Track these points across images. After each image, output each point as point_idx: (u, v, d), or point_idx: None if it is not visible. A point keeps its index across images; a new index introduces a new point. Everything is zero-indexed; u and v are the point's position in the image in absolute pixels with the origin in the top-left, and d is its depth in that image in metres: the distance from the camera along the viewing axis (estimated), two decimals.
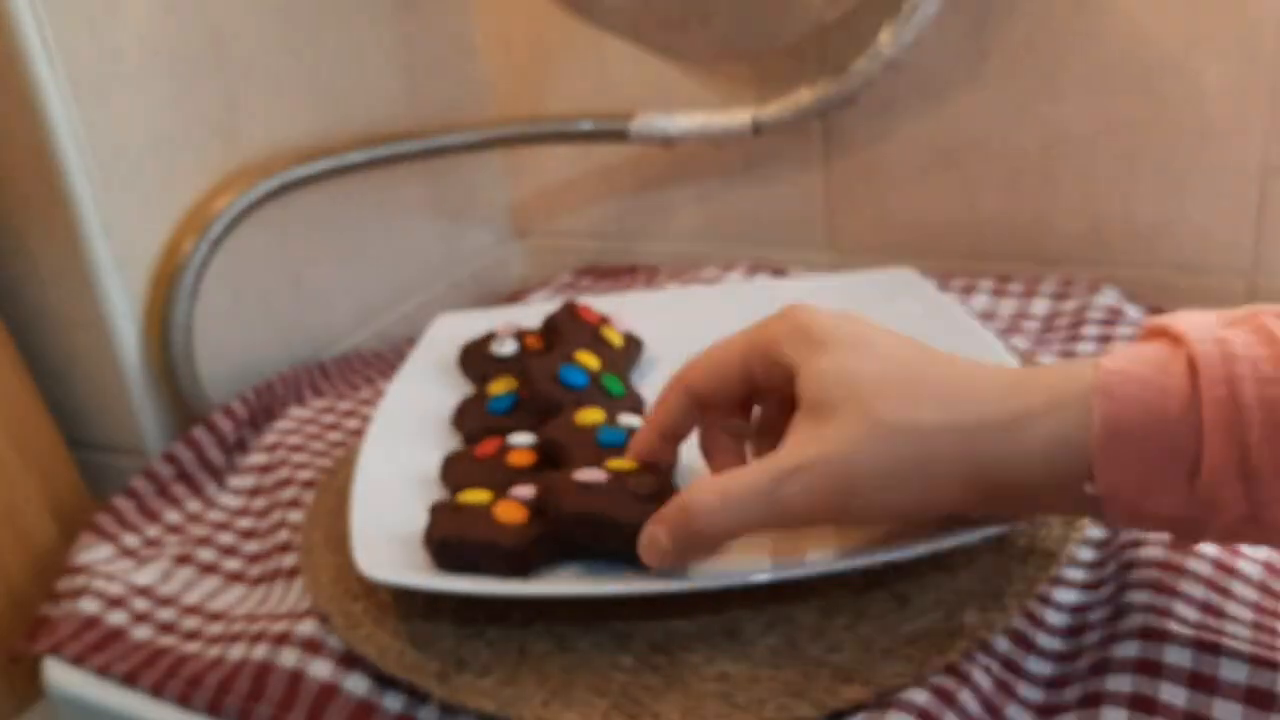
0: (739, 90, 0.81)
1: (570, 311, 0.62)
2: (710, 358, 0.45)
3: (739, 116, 0.77)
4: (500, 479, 0.50)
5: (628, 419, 0.53)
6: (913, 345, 0.42)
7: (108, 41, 0.61)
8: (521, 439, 0.53)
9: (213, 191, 0.68)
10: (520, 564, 0.45)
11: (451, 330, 0.65)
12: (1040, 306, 0.71)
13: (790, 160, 0.82)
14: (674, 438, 0.47)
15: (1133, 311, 0.68)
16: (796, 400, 0.42)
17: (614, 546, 0.45)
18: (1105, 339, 0.65)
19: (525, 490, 0.48)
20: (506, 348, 0.62)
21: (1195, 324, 0.38)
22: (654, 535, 0.42)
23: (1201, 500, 0.37)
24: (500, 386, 0.58)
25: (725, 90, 0.81)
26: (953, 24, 0.74)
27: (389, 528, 0.49)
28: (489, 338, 0.63)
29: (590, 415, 0.52)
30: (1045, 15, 0.71)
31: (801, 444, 0.40)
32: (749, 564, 0.45)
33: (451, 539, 0.45)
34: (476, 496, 0.48)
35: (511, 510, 0.47)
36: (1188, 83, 0.69)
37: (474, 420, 0.57)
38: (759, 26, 0.76)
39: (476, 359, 0.62)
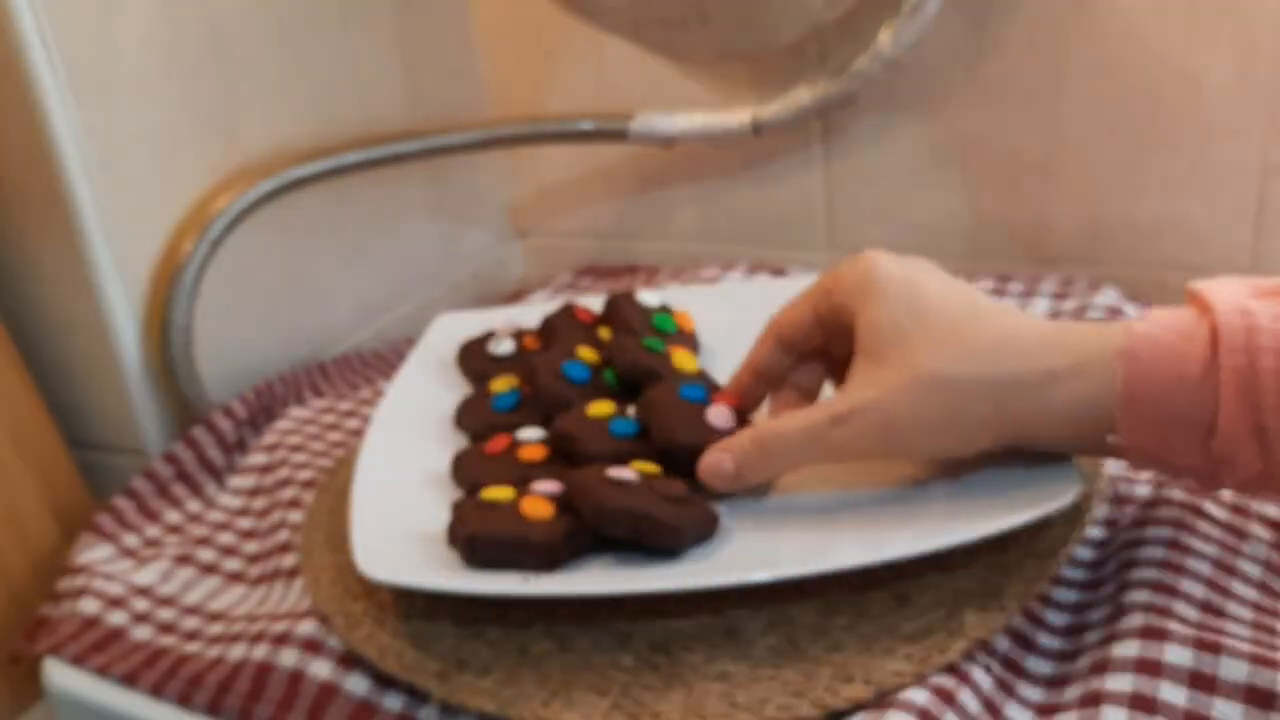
0: (739, 90, 0.81)
1: (568, 312, 0.62)
2: (792, 305, 0.49)
3: (739, 116, 0.77)
4: (516, 474, 0.51)
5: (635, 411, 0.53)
6: (962, 298, 0.45)
7: (107, 42, 0.61)
8: (530, 434, 0.54)
9: (213, 191, 0.68)
10: (552, 557, 0.46)
11: (451, 330, 0.66)
12: (1040, 305, 0.71)
13: (790, 160, 0.82)
14: (766, 378, 0.51)
15: (1132, 311, 0.68)
16: (855, 345, 0.45)
17: (651, 542, 0.45)
18: None
19: (547, 486, 0.49)
20: (504, 347, 0.62)
21: (1225, 294, 0.41)
22: (719, 460, 0.47)
23: (1218, 457, 0.40)
24: (502, 384, 0.58)
25: (725, 90, 0.81)
26: (953, 24, 0.74)
27: (389, 528, 0.49)
28: (487, 337, 0.63)
29: (601, 408, 0.53)
30: (1045, 16, 0.71)
31: (853, 389, 0.44)
32: (746, 565, 0.45)
33: (482, 535, 0.45)
34: (500, 493, 0.48)
35: (538, 506, 0.47)
36: (1187, 83, 0.69)
37: (478, 418, 0.57)
38: (758, 26, 0.76)
39: (475, 358, 0.62)
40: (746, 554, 0.46)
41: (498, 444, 0.53)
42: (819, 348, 0.50)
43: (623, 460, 0.49)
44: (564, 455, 0.52)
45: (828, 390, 0.52)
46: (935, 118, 0.77)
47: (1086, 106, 0.73)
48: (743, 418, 0.51)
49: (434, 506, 0.50)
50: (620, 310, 0.61)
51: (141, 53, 0.63)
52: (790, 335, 0.49)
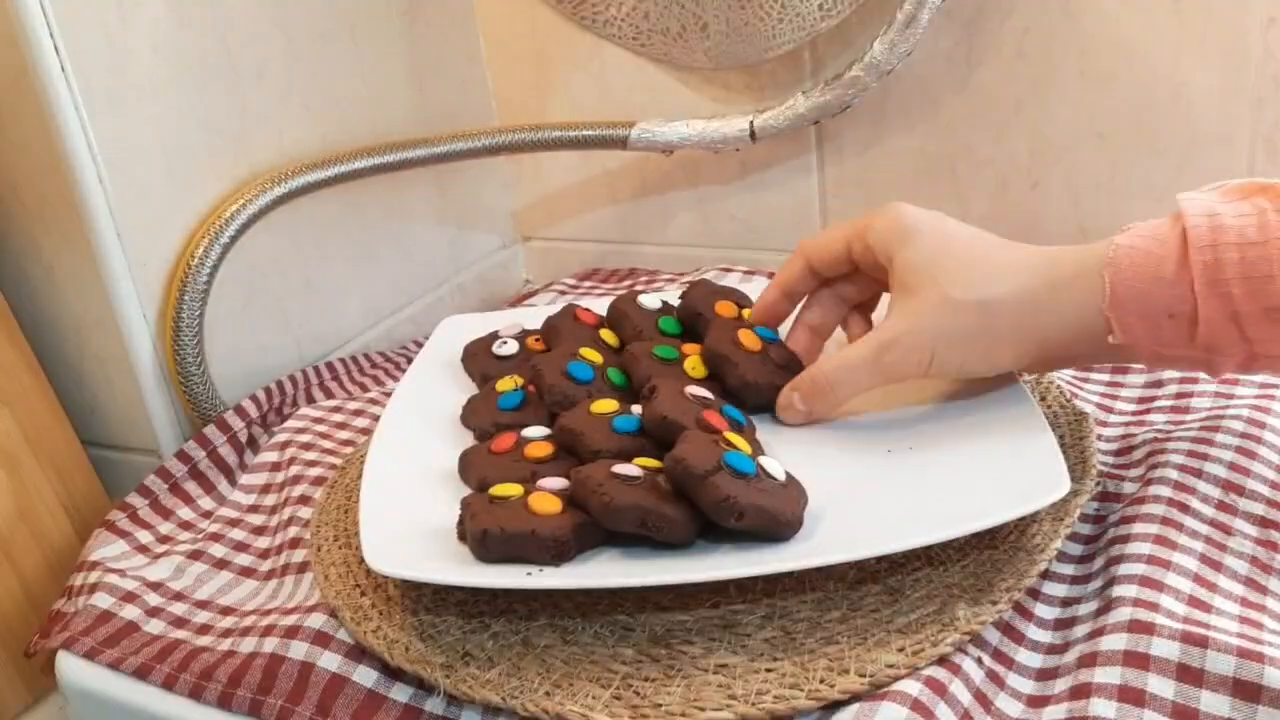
0: (736, 98, 0.82)
1: (569, 314, 0.64)
2: (824, 234, 0.56)
3: (736, 124, 0.79)
4: (523, 471, 0.52)
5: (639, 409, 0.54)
6: (981, 236, 0.52)
7: (120, 51, 0.62)
8: (536, 432, 0.55)
9: (224, 197, 0.69)
10: (562, 551, 0.47)
11: (457, 332, 0.67)
12: None
13: (786, 166, 0.84)
14: (792, 296, 0.58)
15: None
16: (890, 284, 0.52)
17: (659, 537, 0.47)
18: None
19: (553, 482, 0.50)
20: (508, 348, 0.63)
21: (1195, 201, 0.47)
22: (790, 398, 0.55)
23: (1206, 345, 0.47)
24: (507, 384, 0.60)
25: (723, 98, 0.83)
26: (944, 34, 0.75)
27: (397, 523, 0.50)
28: (492, 338, 0.65)
29: (605, 405, 0.54)
30: (1035, 26, 0.73)
31: (895, 319, 0.51)
32: (743, 560, 0.46)
33: (494, 531, 0.47)
34: (508, 490, 0.50)
35: (546, 501, 0.49)
36: (1174, 92, 0.71)
37: (484, 417, 0.58)
38: (755, 37, 0.77)
39: (479, 359, 0.63)
40: (745, 549, 0.47)
41: (504, 442, 0.54)
42: (840, 277, 0.57)
43: (626, 456, 0.50)
44: (569, 451, 0.53)
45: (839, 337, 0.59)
46: (927, 125, 0.78)
47: (1075, 115, 0.74)
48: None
49: (440, 503, 0.51)
50: (626, 316, 0.62)
51: (154, 62, 0.64)
52: (820, 261, 0.56)
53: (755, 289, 0.72)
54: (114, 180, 0.62)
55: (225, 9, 0.68)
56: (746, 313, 0.61)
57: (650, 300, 0.64)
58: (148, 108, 0.64)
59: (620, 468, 0.48)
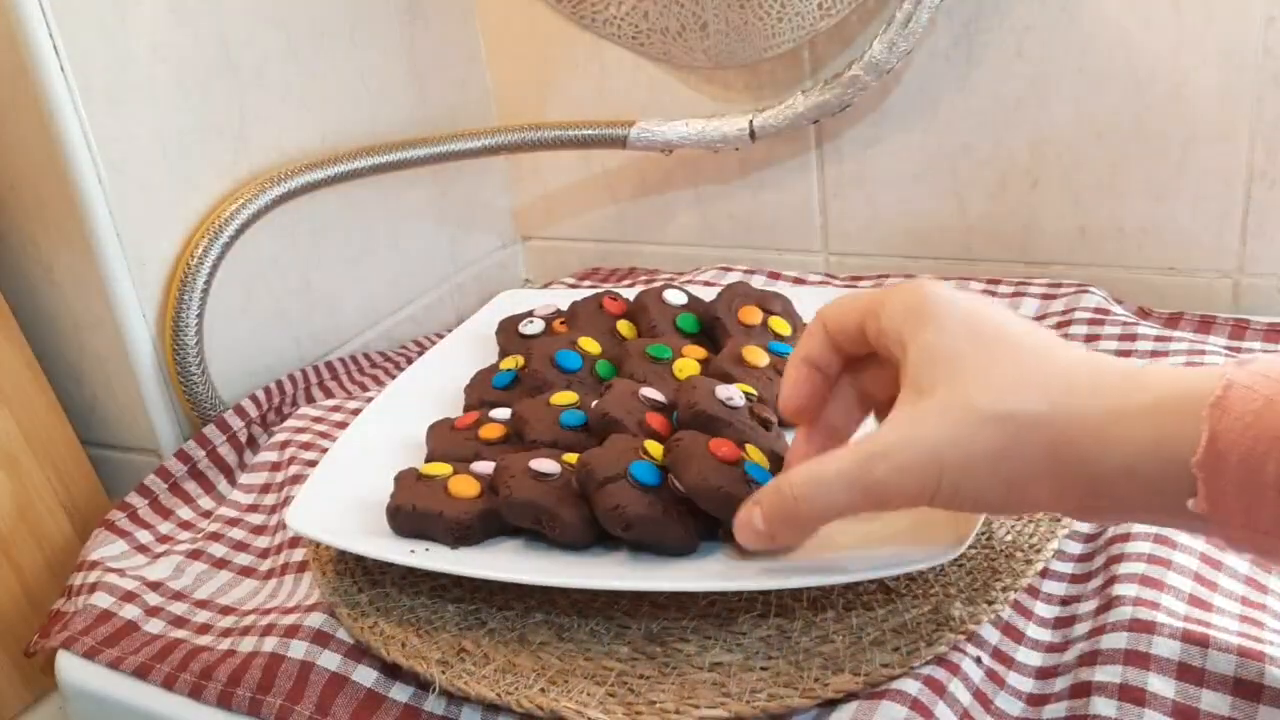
0: (735, 97, 0.82)
1: (596, 301, 0.65)
2: (841, 302, 0.44)
3: (736, 123, 0.79)
4: (469, 450, 0.54)
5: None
6: (1030, 330, 0.40)
7: (119, 50, 0.62)
8: (500, 414, 0.57)
9: (224, 196, 0.69)
10: (463, 535, 0.49)
11: (511, 306, 0.69)
12: (1028, 306, 0.72)
13: (786, 165, 0.83)
14: (820, 369, 0.45)
15: (1119, 311, 0.69)
16: (901, 378, 0.40)
17: (551, 535, 0.48)
18: (1092, 338, 0.67)
19: (484, 466, 0.52)
20: (533, 327, 0.64)
21: None
22: (749, 517, 0.42)
23: None
24: (509, 363, 0.61)
25: (722, 97, 0.83)
26: (944, 32, 0.75)
27: (345, 488, 0.53)
28: (525, 315, 0.66)
29: (564, 397, 0.56)
30: (1034, 24, 0.72)
31: (896, 424, 0.39)
32: (741, 570, 0.46)
33: (405, 507, 0.49)
34: (437, 469, 0.52)
35: (465, 484, 0.50)
36: (1174, 87, 0.70)
37: (476, 392, 0.60)
38: (755, 36, 0.77)
39: (507, 335, 0.65)
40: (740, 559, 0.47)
41: (468, 419, 0.57)
42: (868, 361, 0.45)
43: (564, 448, 0.52)
44: (517, 436, 0.54)
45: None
46: (926, 124, 0.78)
47: (1074, 112, 0.74)
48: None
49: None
50: (645, 309, 0.63)
51: (153, 61, 0.64)
52: (837, 333, 0.44)
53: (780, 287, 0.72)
54: (113, 179, 0.62)
55: (225, 8, 0.68)
56: (775, 321, 0.61)
57: (675, 296, 0.64)
58: (147, 107, 0.64)
59: (539, 462, 0.49)
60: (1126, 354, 0.65)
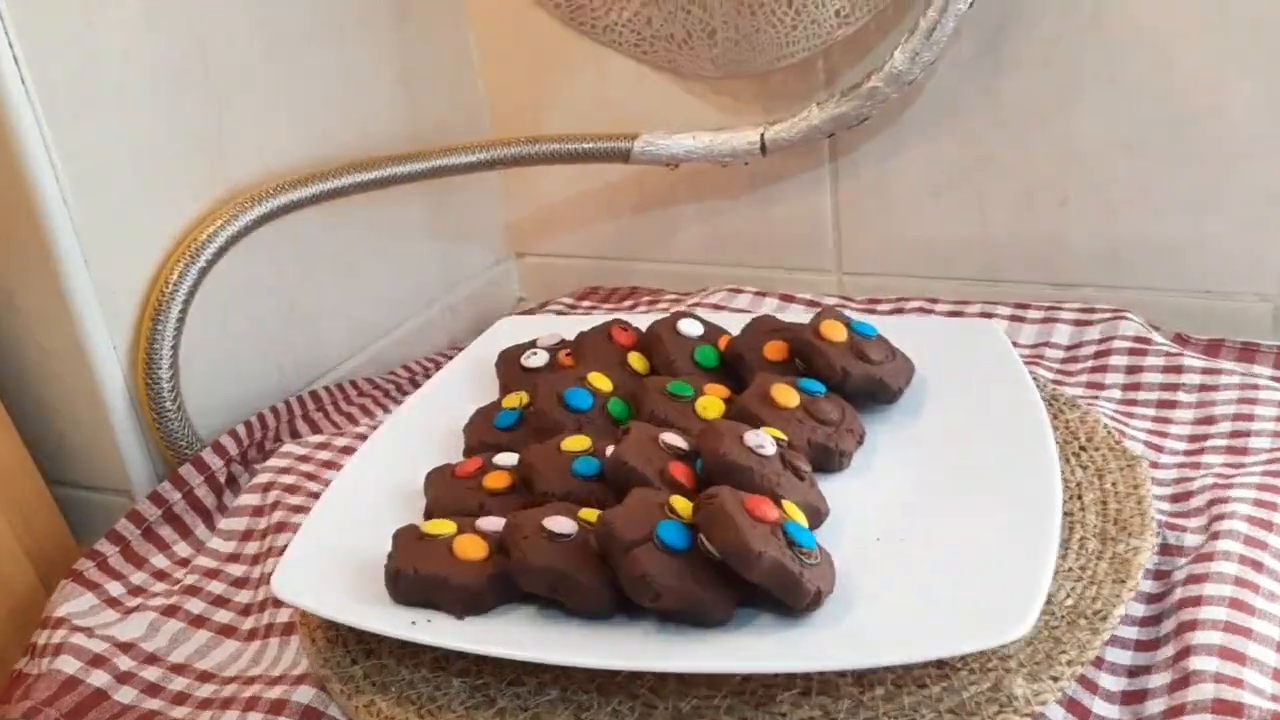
0: (745, 109, 0.78)
1: (604, 331, 0.60)
2: None
3: (746, 136, 0.75)
4: (472, 502, 0.50)
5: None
6: None
7: (85, 55, 0.59)
8: (506, 459, 0.52)
9: (201, 217, 0.65)
10: (471, 604, 0.45)
11: (511, 335, 0.65)
12: (1061, 334, 0.68)
13: (798, 180, 0.80)
14: None
15: (1160, 340, 0.66)
16: None
17: (569, 603, 0.44)
18: (1134, 369, 0.63)
19: (491, 523, 0.47)
20: (536, 360, 0.60)
21: None
22: None
23: None
24: (513, 400, 0.57)
25: (731, 109, 0.79)
26: (968, 42, 0.71)
27: (336, 544, 0.49)
28: (527, 347, 0.62)
29: (575, 442, 0.51)
30: (1062, 33, 0.69)
31: None
32: (781, 645, 0.42)
33: (407, 572, 0.45)
34: (439, 527, 0.47)
35: (472, 545, 0.46)
36: (1212, 100, 0.67)
37: (477, 433, 0.56)
38: (767, 44, 0.74)
39: (508, 368, 0.61)
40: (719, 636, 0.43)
41: (469, 466, 0.52)
42: None
43: (578, 501, 0.48)
44: (526, 484, 0.50)
45: None
46: (948, 137, 0.75)
47: (1104, 125, 0.71)
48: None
49: (396, 526, 0.49)
50: (660, 341, 0.59)
51: (123, 68, 0.61)
52: None
53: (768, 312, 0.68)
54: (79, 199, 0.59)
55: (202, 10, 0.65)
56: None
57: (691, 327, 0.60)
58: (116, 119, 0.61)
59: (554, 521, 0.45)
60: (1173, 388, 0.61)
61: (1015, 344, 0.67)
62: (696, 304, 0.77)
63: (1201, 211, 0.70)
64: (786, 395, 0.52)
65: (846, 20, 0.71)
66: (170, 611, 0.55)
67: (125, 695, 0.50)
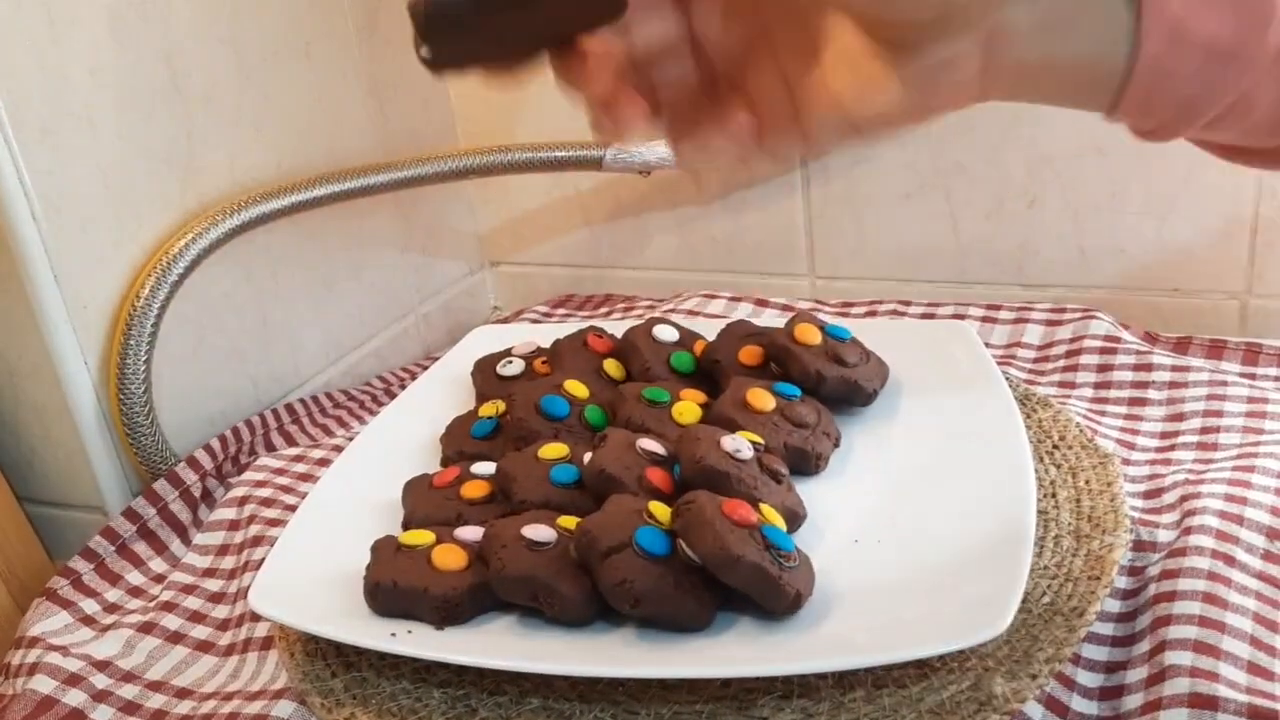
0: None
1: (580, 338, 0.60)
2: None
3: None
4: (450, 512, 0.50)
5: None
6: None
7: (54, 73, 0.58)
8: (483, 468, 0.52)
9: (172, 230, 0.64)
10: (450, 614, 0.45)
11: (485, 342, 0.65)
12: (1032, 333, 0.69)
13: (769, 185, 0.80)
14: None
15: (1130, 339, 0.66)
16: None
17: (551, 612, 0.44)
18: (1105, 368, 0.64)
19: (469, 532, 0.47)
20: (512, 368, 0.60)
21: None
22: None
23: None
24: (490, 409, 0.57)
25: None
26: None
27: (314, 557, 0.49)
28: (503, 355, 0.61)
29: (552, 450, 0.51)
30: None
31: None
32: (761, 649, 0.42)
33: (385, 584, 0.45)
34: (418, 538, 0.47)
35: (451, 555, 0.46)
36: None
37: (455, 442, 0.56)
38: None
39: (484, 376, 0.61)
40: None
41: (447, 475, 0.52)
42: None
43: (556, 509, 0.47)
44: (504, 493, 0.50)
45: None
46: (918, 142, 0.75)
47: (1073, 128, 0.71)
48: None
49: (374, 537, 0.49)
50: (635, 348, 0.59)
51: (91, 84, 0.60)
52: None
53: (742, 316, 0.68)
54: (49, 215, 0.58)
55: (170, 26, 0.64)
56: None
57: (666, 332, 0.60)
58: (85, 135, 0.60)
59: (533, 529, 0.45)
60: (1143, 385, 0.62)
61: (987, 345, 0.67)
62: (671, 310, 0.77)
63: (1169, 211, 0.71)
64: (762, 399, 0.52)
65: None
66: (146, 628, 0.54)
67: (102, 714, 0.49)
